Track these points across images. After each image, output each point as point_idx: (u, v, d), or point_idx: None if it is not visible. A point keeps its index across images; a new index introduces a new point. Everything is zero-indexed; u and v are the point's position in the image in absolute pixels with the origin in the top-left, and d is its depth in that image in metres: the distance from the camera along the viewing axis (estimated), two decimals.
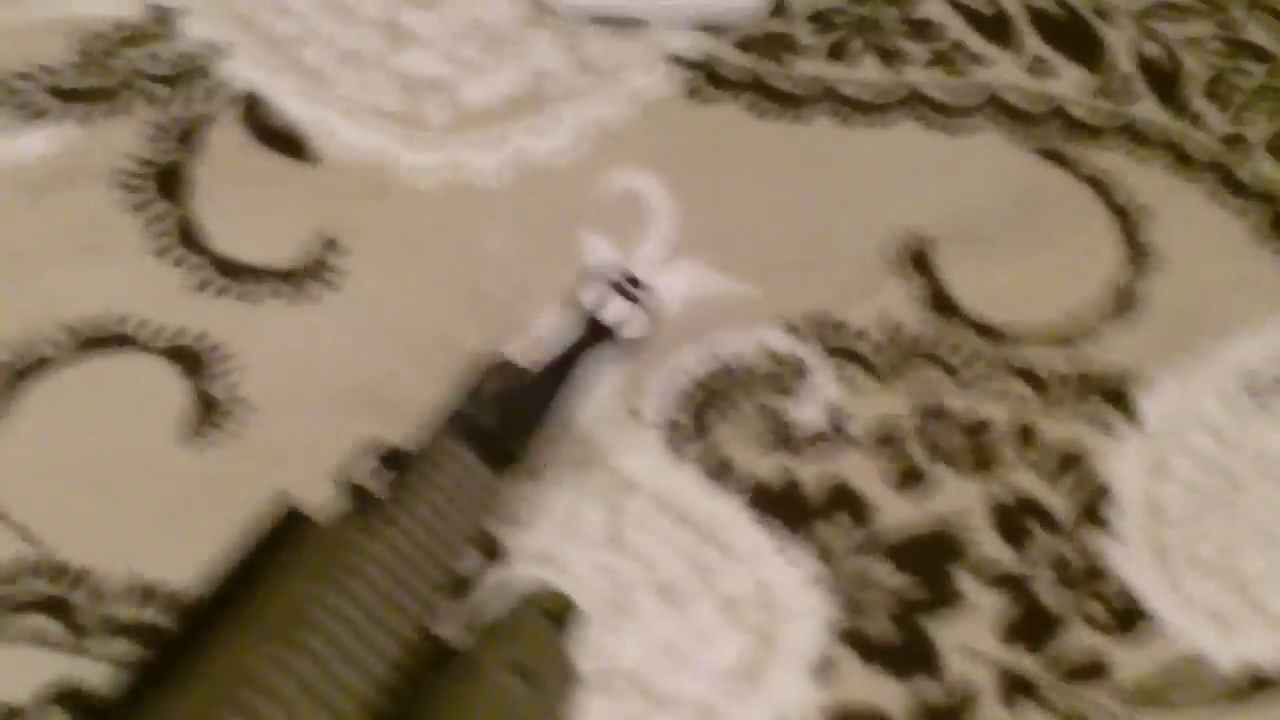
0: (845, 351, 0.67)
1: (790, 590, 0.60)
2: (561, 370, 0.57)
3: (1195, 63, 0.78)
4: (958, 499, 0.63)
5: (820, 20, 0.79)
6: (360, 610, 0.46)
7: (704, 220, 0.70)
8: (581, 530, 0.61)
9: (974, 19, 0.79)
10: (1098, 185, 0.73)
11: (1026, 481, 0.64)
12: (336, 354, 0.66)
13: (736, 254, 0.70)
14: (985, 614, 0.61)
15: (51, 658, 0.57)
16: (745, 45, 0.77)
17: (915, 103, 0.76)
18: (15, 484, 0.60)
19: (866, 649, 0.59)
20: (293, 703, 0.43)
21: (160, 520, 0.60)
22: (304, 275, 0.67)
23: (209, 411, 0.63)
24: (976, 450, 0.65)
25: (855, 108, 0.75)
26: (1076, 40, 0.79)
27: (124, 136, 0.71)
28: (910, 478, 0.64)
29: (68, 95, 0.72)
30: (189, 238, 0.68)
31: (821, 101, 0.75)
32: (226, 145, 0.71)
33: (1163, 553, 0.62)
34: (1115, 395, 0.66)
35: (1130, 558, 0.62)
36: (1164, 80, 0.77)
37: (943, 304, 0.69)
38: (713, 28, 0.77)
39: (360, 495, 0.52)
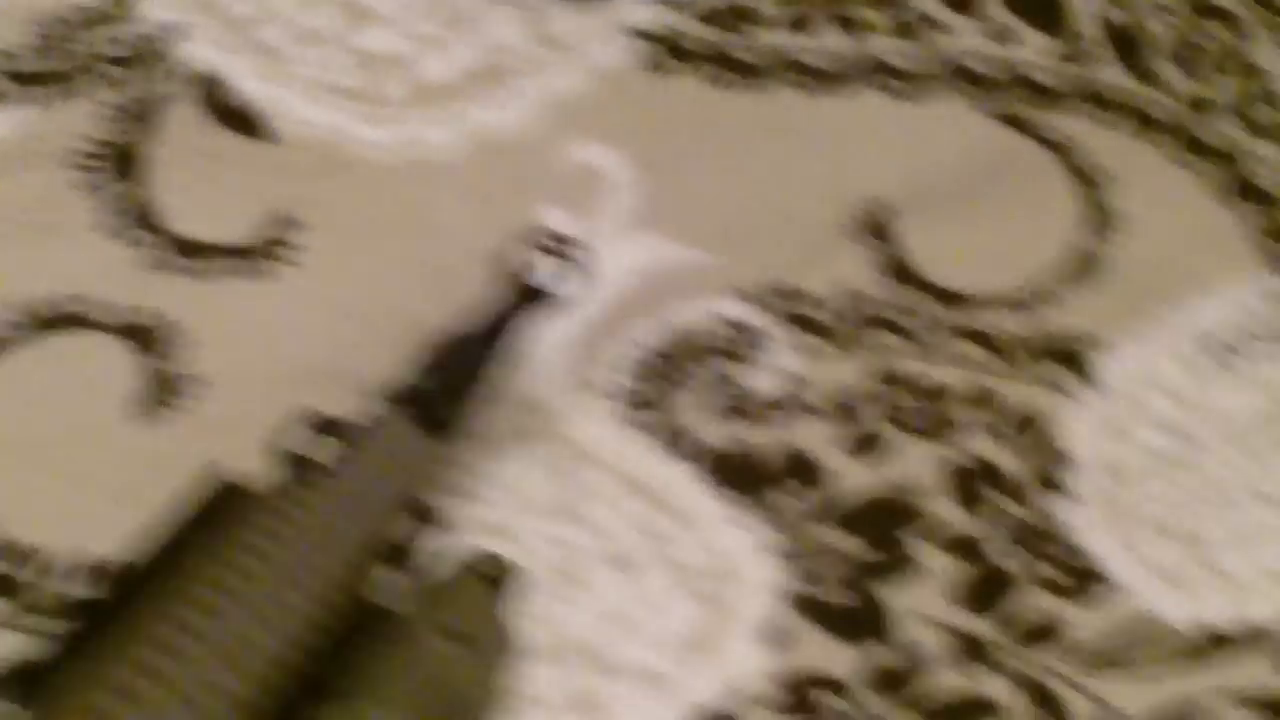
0: (802, 319, 0.66)
1: (743, 558, 0.60)
2: (492, 333, 0.57)
3: (1161, 27, 0.78)
4: (913, 464, 0.63)
5: None
6: (277, 572, 0.46)
7: (664, 192, 0.70)
8: (533, 501, 0.61)
9: None
10: (1059, 150, 0.72)
11: (983, 445, 0.63)
12: (293, 330, 0.65)
13: (696, 225, 0.69)
14: (938, 578, 0.60)
15: None
16: (707, 18, 0.77)
17: (877, 72, 0.75)
18: None
19: (819, 615, 0.59)
20: (196, 661, 0.43)
21: (112, 497, 0.60)
22: (260, 252, 0.67)
23: (163, 389, 0.63)
24: (933, 415, 0.64)
25: (817, 78, 0.75)
26: (1041, 7, 0.78)
27: (81, 119, 0.71)
28: (866, 444, 0.63)
29: (27, 79, 0.72)
30: (145, 217, 0.68)
31: (783, 72, 0.75)
32: (184, 125, 0.71)
33: (1119, 515, 0.62)
34: (1073, 358, 0.66)
35: (1086, 520, 0.62)
36: (1129, 44, 0.77)
37: (901, 270, 0.68)
38: (674, 1, 0.77)
39: (296, 463, 0.52)
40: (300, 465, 0.52)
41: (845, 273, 0.68)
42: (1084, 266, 0.69)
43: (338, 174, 0.70)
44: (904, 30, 0.77)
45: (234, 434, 0.60)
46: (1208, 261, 0.69)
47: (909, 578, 0.60)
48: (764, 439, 0.63)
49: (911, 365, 0.65)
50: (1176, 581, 0.60)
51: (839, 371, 0.65)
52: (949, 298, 0.67)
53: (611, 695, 0.57)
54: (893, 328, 0.66)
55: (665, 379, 0.64)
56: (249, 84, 0.73)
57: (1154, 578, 0.60)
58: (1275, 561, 0.61)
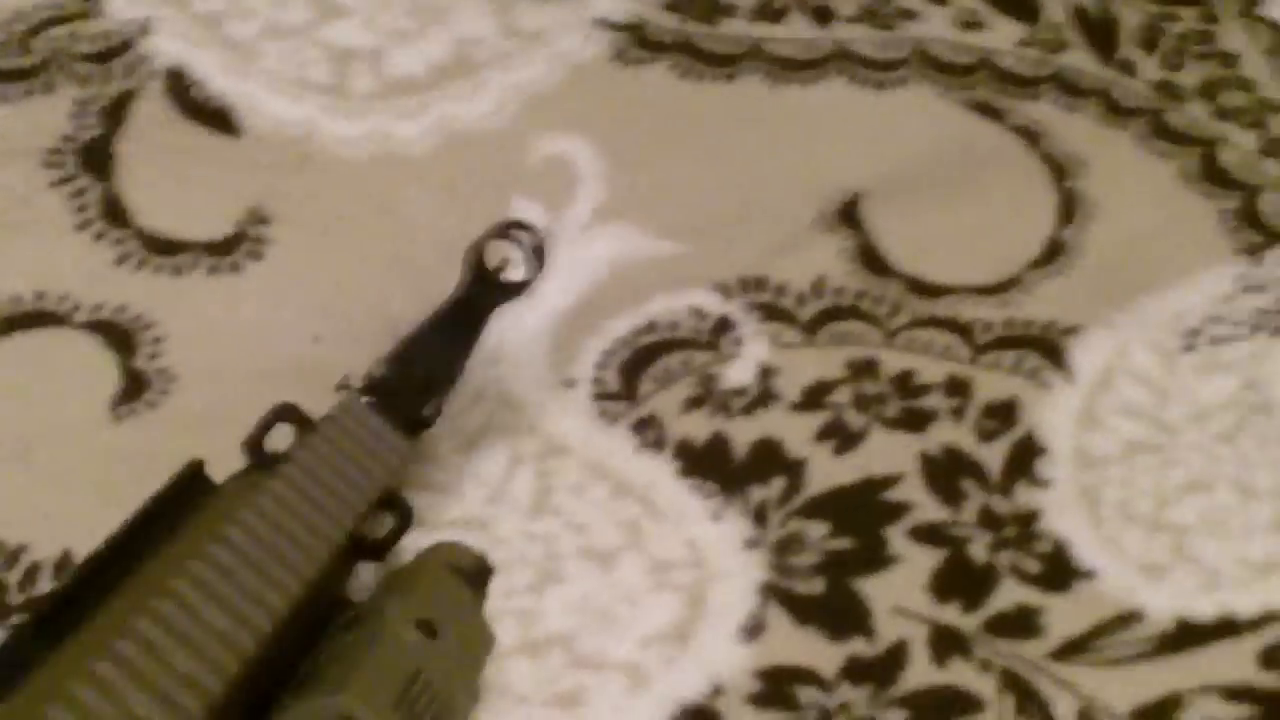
0: (776, 310, 0.66)
1: (721, 551, 0.60)
2: (450, 322, 0.57)
3: (1129, 11, 0.78)
4: (889, 456, 0.63)
5: None
6: (240, 560, 0.46)
7: (633, 183, 0.70)
8: (510, 495, 0.61)
9: None
10: (1028, 135, 0.73)
11: (957, 435, 0.63)
12: (263, 324, 0.65)
13: (666, 216, 0.69)
14: (916, 570, 0.60)
15: None
16: (674, 6, 0.76)
17: (844, 60, 0.75)
18: None
19: (797, 608, 0.59)
20: (163, 650, 0.43)
21: (89, 495, 0.59)
22: (229, 247, 0.67)
23: (134, 385, 0.63)
24: (907, 406, 0.64)
25: (785, 66, 0.75)
26: None
27: (48, 115, 0.71)
28: (841, 436, 0.63)
29: None
30: (113, 212, 0.68)
31: (750, 61, 0.75)
32: (151, 120, 0.71)
33: (1094, 503, 0.62)
34: (1047, 346, 0.66)
35: (1061, 509, 0.62)
36: (1096, 29, 0.77)
37: (873, 260, 0.68)
38: None
39: (261, 455, 0.52)
40: (261, 453, 0.53)
41: (817, 263, 0.68)
42: (1055, 254, 0.69)
43: (307, 168, 0.70)
44: (873, 18, 0.77)
45: (209, 429, 0.60)
46: (1179, 248, 0.69)
47: (887, 571, 0.60)
48: (740, 432, 0.63)
49: (884, 354, 0.65)
50: (1152, 571, 0.60)
51: (812, 361, 0.65)
52: (921, 287, 0.67)
53: (589, 689, 0.57)
54: (865, 317, 0.66)
55: (637, 370, 0.64)
56: (217, 79, 0.72)
57: (1130, 567, 0.60)
58: (1252, 551, 0.61)
